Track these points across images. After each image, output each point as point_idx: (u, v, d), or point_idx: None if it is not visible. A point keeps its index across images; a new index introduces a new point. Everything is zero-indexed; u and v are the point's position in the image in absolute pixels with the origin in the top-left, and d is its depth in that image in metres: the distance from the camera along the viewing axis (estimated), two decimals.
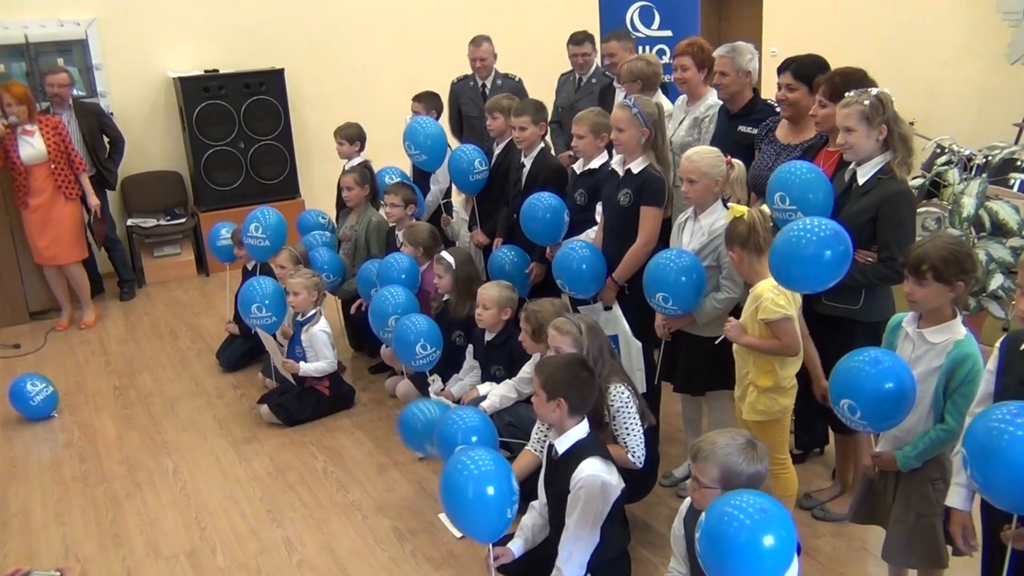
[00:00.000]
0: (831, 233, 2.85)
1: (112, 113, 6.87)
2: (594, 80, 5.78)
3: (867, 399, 2.59)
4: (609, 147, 4.06)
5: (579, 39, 5.80)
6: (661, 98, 4.57)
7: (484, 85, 6.17)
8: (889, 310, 3.12)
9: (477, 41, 6.10)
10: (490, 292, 4.14)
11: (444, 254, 4.54)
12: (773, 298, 3.07)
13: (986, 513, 2.50)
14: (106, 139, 6.61)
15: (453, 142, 6.17)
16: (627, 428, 3.23)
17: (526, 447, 3.48)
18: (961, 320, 2.65)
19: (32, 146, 5.84)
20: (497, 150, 4.90)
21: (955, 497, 2.49)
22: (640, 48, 5.96)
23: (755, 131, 4.06)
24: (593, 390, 3.03)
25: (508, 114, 4.71)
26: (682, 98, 4.62)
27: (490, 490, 2.70)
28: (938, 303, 2.62)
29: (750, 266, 3.15)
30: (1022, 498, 2.10)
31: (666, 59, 6.14)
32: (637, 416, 3.25)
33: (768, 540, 2.10)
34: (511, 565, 3.02)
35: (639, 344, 3.85)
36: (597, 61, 5.91)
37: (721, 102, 4.26)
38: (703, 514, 2.24)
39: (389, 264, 4.71)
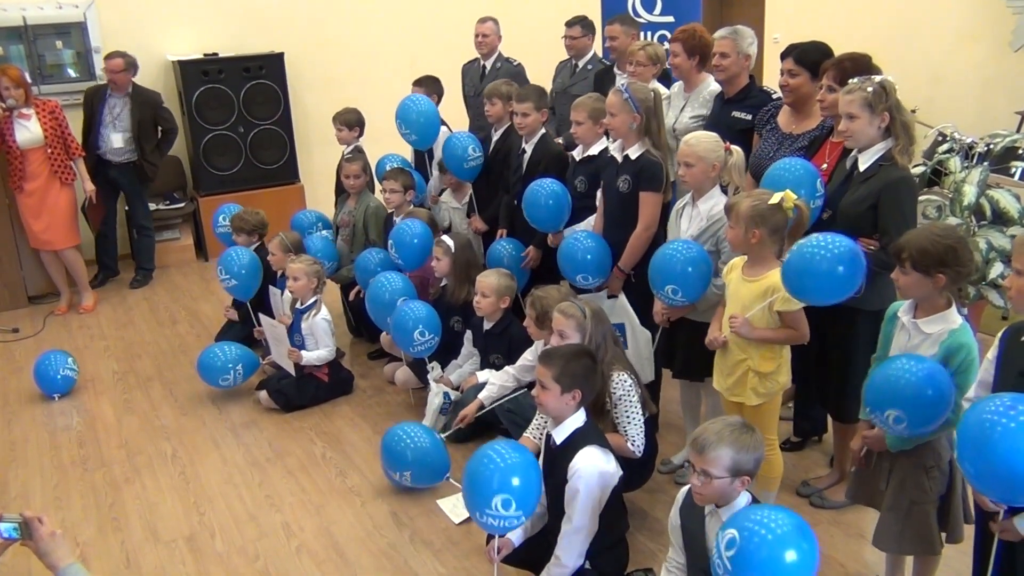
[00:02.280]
0: (846, 250, 2.85)
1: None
2: (590, 66, 5.77)
3: (912, 407, 2.55)
4: (608, 133, 4.05)
5: (570, 22, 5.82)
6: (656, 84, 4.58)
7: (484, 66, 6.18)
8: (891, 298, 3.11)
9: (483, 19, 6.14)
10: (489, 280, 4.13)
11: (444, 237, 4.53)
12: None
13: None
14: (159, 129, 6.58)
15: (466, 123, 6.18)
16: (628, 417, 3.23)
17: (524, 434, 3.47)
18: (957, 310, 2.65)
19: (28, 130, 5.81)
20: (495, 136, 4.88)
21: None
22: (642, 34, 5.93)
23: (749, 116, 4.07)
24: (598, 378, 3.05)
25: (507, 100, 4.70)
26: (678, 85, 4.63)
27: (515, 481, 2.70)
28: (920, 292, 2.63)
29: (767, 252, 3.11)
30: (1012, 490, 2.09)
31: (667, 45, 6.12)
32: (639, 405, 3.25)
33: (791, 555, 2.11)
34: (510, 554, 3.02)
35: (647, 333, 3.84)
36: (595, 48, 5.89)
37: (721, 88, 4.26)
38: (724, 534, 2.20)
39: (402, 229, 4.66)
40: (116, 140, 6.33)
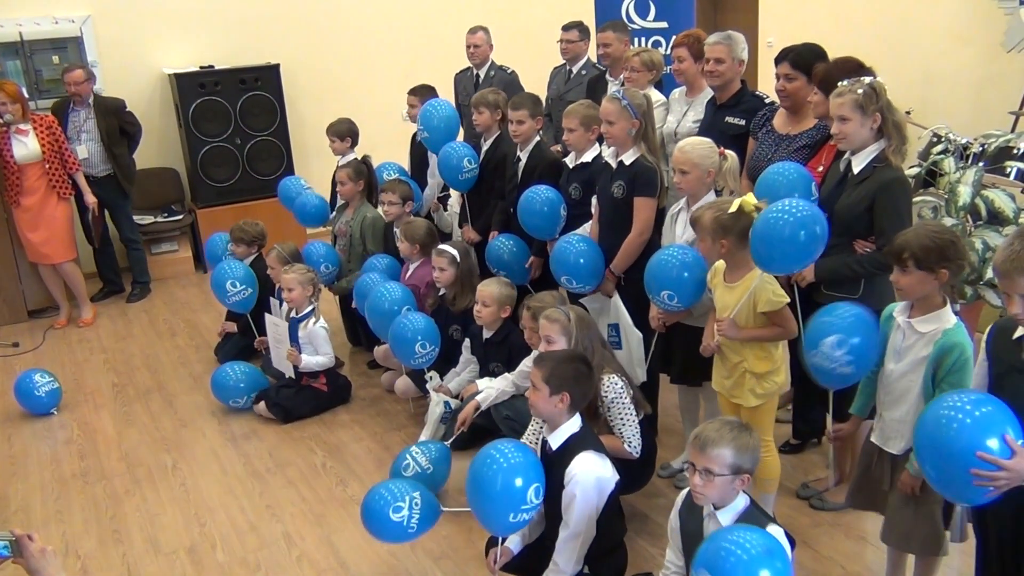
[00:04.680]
0: (808, 214, 2.91)
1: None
2: (584, 72, 5.78)
3: None
4: (600, 139, 4.06)
5: (567, 26, 5.84)
6: (651, 89, 4.59)
7: (478, 75, 6.20)
8: (888, 299, 3.13)
9: (473, 29, 6.15)
10: (490, 289, 4.12)
11: (446, 247, 4.51)
12: (772, 288, 3.09)
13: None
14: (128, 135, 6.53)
15: (460, 132, 6.18)
16: (622, 419, 3.24)
17: (522, 439, 3.47)
18: (952, 309, 2.66)
19: (26, 145, 5.82)
20: (485, 146, 4.88)
21: None
22: (636, 40, 5.96)
23: (742, 122, 4.08)
24: (592, 385, 3.06)
25: (494, 109, 4.72)
26: (680, 89, 4.65)
27: (518, 481, 2.71)
28: (923, 291, 2.63)
29: (740, 258, 3.13)
30: (972, 489, 2.09)
31: (662, 50, 6.15)
32: (632, 406, 3.25)
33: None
34: (507, 562, 3.02)
35: (639, 335, 3.85)
36: (589, 54, 5.91)
37: None
38: (702, 549, 2.23)
39: (380, 295, 4.60)
40: (81, 152, 6.26)
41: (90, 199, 6.15)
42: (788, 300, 3.11)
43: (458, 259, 4.43)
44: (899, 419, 2.73)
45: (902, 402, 2.72)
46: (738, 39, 4.16)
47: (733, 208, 3.06)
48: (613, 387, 3.23)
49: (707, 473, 2.40)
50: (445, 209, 5.40)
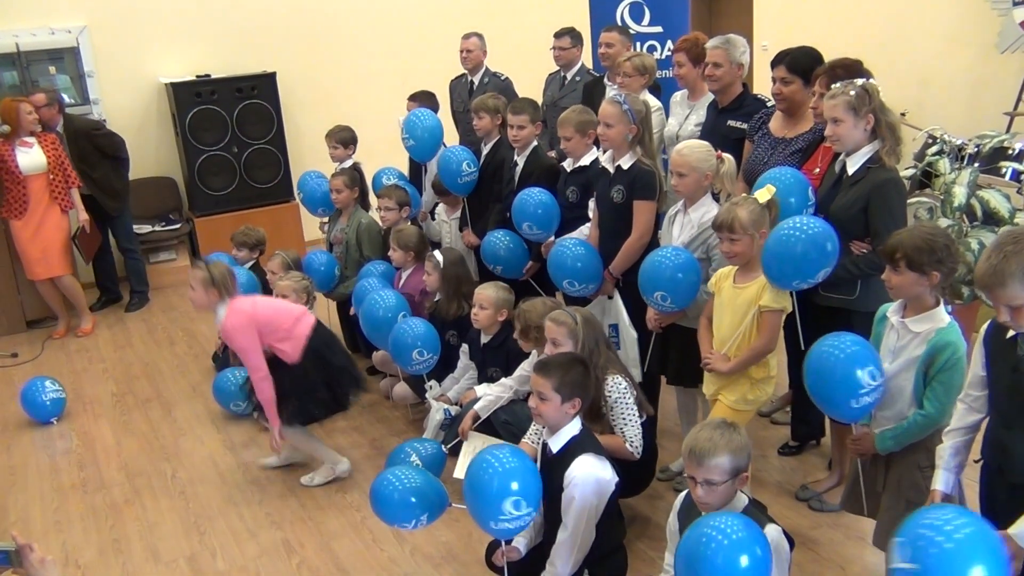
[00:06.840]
0: (821, 231, 2.96)
1: (104, 121, 6.82)
2: (578, 78, 5.80)
3: None
4: (598, 143, 4.07)
5: (559, 33, 5.86)
6: (645, 94, 4.61)
7: (472, 81, 6.22)
8: (885, 299, 3.15)
9: (467, 35, 6.18)
10: (487, 293, 4.12)
11: (435, 253, 4.54)
12: (784, 292, 3.13)
13: (983, 502, 2.51)
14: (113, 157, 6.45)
15: (455, 138, 6.20)
16: (625, 419, 3.24)
17: (523, 439, 3.46)
18: (945, 309, 2.67)
19: (31, 156, 5.81)
20: (485, 150, 4.89)
21: (939, 481, 2.50)
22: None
23: (744, 125, 4.09)
24: (593, 386, 3.08)
25: (494, 113, 4.74)
26: (682, 92, 4.67)
27: (514, 485, 2.70)
28: (913, 291, 2.64)
29: (759, 255, 3.16)
30: None
31: (657, 55, 6.17)
32: (635, 407, 3.26)
33: (744, 560, 2.17)
34: (511, 564, 3.01)
35: (634, 334, 3.86)
36: (584, 59, 5.93)
37: None
38: (682, 538, 2.27)
39: (374, 302, 4.57)
40: None
41: (83, 216, 6.11)
42: (790, 310, 3.13)
43: (442, 265, 4.44)
44: (892, 419, 2.74)
45: (896, 402, 2.73)
46: (737, 43, 4.18)
47: (764, 199, 3.14)
48: (617, 387, 3.24)
49: (708, 483, 2.41)
50: (433, 218, 5.41)
